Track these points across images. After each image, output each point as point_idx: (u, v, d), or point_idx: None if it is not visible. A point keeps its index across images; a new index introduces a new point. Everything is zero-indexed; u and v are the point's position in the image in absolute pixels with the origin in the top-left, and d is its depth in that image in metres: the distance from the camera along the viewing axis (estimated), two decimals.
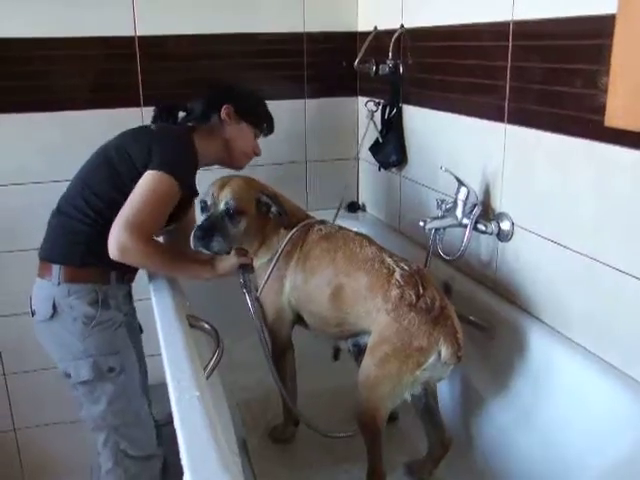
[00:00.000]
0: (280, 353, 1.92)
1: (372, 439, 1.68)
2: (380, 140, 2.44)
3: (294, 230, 1.85)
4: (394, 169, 2.44)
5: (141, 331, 2.04)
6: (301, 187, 2.72)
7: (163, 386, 2.40)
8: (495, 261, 1.88)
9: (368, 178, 2.74)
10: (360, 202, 2.82)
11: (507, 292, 1.85)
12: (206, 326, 1.75)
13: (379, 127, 2.43)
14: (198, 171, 1.86)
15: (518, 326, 1.75)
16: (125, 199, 1.69)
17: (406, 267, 1.65)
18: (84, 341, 1.77)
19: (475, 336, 1.85)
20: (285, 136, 2.62)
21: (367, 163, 2.68)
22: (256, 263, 1.88)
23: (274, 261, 1.84)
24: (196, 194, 1.86)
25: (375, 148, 2.47)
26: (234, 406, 2.06)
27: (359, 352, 1.74)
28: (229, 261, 1.81)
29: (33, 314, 1.84)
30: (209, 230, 1.77)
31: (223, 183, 1.82)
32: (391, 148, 2.37)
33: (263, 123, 2.08)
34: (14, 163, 2.35)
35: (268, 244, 1.87)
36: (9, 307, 2.45)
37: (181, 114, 2.04)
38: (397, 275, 1.62)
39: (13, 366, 2.53)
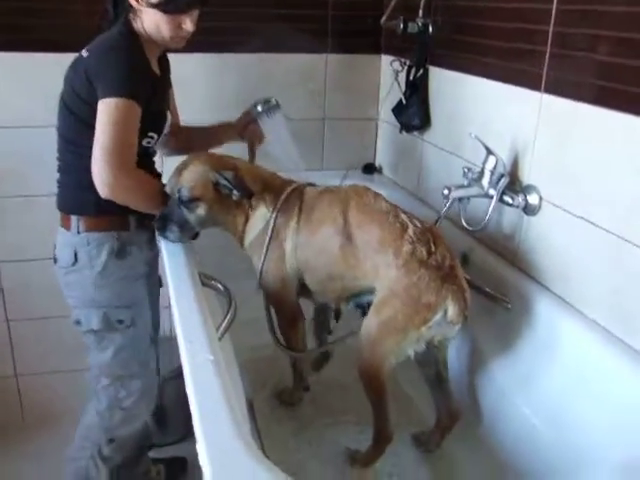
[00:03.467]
0: (290, 323, 1.88)
1: (377, 397, 1.65)
2: (403, 102, 2.36)
3: (284, 195, 1.77)
4: (416, 132, 2.37)
5: (161, 285, 2.01)
6: (317, 145, 2.65)
7: (171, 340, 2.42)
8: (518, 235, 1.82)
9: (387, 140, 2.67)
10: (377, 164, 2.75)
11: (528, 267, 1.80)
12: (218, 285, 1.71)
13: (403, 88, 2.35)
14: None
15: (534, 300, 1.71)
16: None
17: (419, 224, 1.62)
18: (98, 291, 1.79)
19: (487, 306, 1.82)
20: (303, 91, 2.55)
21: (387, 124, 2.61)
22: (247, 241, 1.81)
23: (269, 230, 1.75)
24: (157, 78, 1.78)
25: (398, 110, 2.39)
26: (241, 365, 2.03)
27: (363, 312, 1.72)
28: None
29: (55, 261, 1.85)
30: (164, 220, 1.71)
31: (180, 169, 1.73)
32: (415, 110, 2.29)
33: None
34: (21, 105, 2.26)
35: (255, 218, 1.78)
36: (16, 253, 2.42)
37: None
38: (410, 231, 1.59)
39: (17, 313, 2.51)
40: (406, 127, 2.37)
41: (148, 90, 1.68)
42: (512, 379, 1.77)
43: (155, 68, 1.80)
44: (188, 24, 1.70)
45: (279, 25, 2.45)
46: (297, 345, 1.90)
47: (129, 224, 1.81)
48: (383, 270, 1.59)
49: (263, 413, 1.96)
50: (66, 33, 2.21)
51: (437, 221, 1.96)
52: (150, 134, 1.77)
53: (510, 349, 1.78)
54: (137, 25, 1.70)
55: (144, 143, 1.75)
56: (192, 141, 2.07)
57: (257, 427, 1.88)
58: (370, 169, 2.72)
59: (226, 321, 1.54)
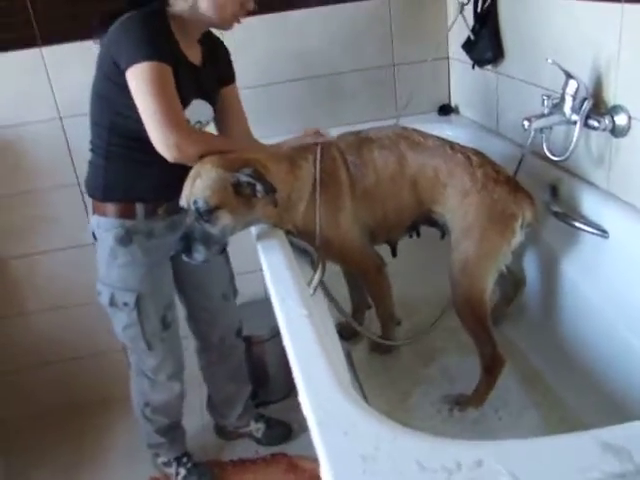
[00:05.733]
0: (377, 271, 1.85)
1: (481, 324, 1.69)
2: (472, 37, 2.26)
3: (317, 156, 1.69)
4: (489, 66, 2.28)
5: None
6: (390, 92, 2.59)
7: (267, 301, 2.46)
8: (608, 159, 1.73)
9: (461, 78, 2.58)
10: (452, 104, 2.67)
11: (622, 192, 1.70)
12: (307, 245, 1.73)
13: (471, 22, 2.25)
14: None
15: (633, 226, 1.62)
16: (122, 117, 1.66)
17: (470, 149, 1.75)
18: (108, 271, 1.85)
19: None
20: (368, 39, 2.50)
21: (458, 62, 2.52)
22: (297, 219, 1.69)
23: (317, 195, 1.67)
24: (184, 61, 1.68)
25: (467, 45, 2.30)
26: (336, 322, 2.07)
27: (443, 235, 1.86)
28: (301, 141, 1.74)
29: None
30: (186, 240, 1.56)
31: (193, 179, 1.54)
32: (486, 43, 2.19)
33: None
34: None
35: (297, 193, 1.66)
36: None
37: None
38: (473, 157, 1.71)
39: None
40: (478, 62, 2.29)
41: (172, 53, 1.61)
42: (613, 309, 1.70)
43: (188, 51, 1.71)
44: (251, 3, 1.70)
45: None
46: (389, 292, 1.90)
47: (135, 212, 1.79)
48: (458, 198, 1.70)
49: (361, 363, 1.99)
50: None
51: (522, 157, 1.89)
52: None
53: (608, 279, 1.71)
54: (179, 7, 1.64)
55: None
56: None
57: (357, 377, 1.91)
58: (446, 110, 2.64)
59: (316, 277, 1.55)
